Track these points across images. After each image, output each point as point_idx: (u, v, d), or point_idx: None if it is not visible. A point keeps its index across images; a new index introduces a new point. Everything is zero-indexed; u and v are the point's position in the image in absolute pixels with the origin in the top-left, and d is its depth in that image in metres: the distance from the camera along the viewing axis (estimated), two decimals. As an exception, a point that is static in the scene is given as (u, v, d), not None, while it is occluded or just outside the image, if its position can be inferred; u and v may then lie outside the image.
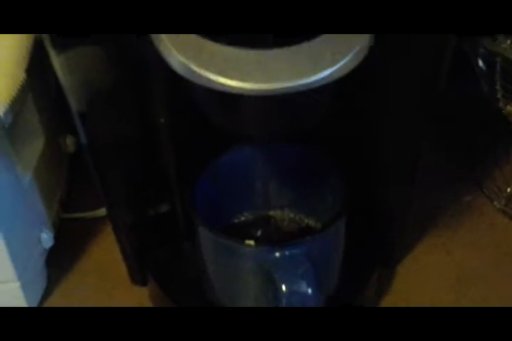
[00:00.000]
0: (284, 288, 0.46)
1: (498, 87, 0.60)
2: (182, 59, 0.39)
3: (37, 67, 0.54)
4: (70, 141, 0.67)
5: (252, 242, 0.48)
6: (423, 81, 0.47)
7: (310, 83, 0.38)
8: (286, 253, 0.47)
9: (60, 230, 0.64)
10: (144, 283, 0.61)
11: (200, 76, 0.39)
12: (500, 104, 0.61)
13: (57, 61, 0.43)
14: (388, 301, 0.61)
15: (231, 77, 0.38)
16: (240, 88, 0.38)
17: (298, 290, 0.46)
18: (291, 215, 0.58)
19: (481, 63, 0.60)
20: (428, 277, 0.63)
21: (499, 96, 0.61)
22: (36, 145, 0.59)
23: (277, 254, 0.48)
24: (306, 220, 0.58)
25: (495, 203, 0.69)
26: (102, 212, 0.64)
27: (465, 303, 0.61)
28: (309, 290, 0.46)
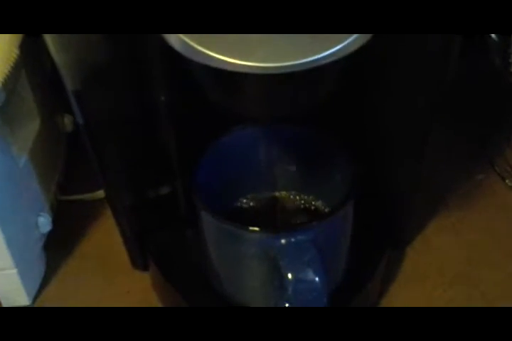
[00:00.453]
0: (290, 276, 0.45)
1: (511, 60, 0.58)
2: (182, 36, 0.38)
3: (30, 43, 0.53)
4: (67, 120, 0.66)
5: (256, 228, 0.47)
6: (432, 60, 0.46)
7: (314, 61, 0.37)
8: (292, 239, 0.46)
9: (58, 213, 0.63)
10: (145, 267, 0.60)
11: (199, 53, 0.37)
12: (513, 78, 0.59)
13: (49, 37, 0.42)
14: (398, 284, 0.60)
15: (233, 55, 0.37)
16: (243, 66, 0.37)
17: (304, 278, 0.45)
18: (298, 197, 0.57)
19: (493, 35, 0.59)
20: (438, 259, 0.62)
21: (512, 69, 0.59)
22: (32, 126, 0.58)
23: (283, 241, 0.46)
24: (313, 202, 0.57)
25: (507, 181, 0.68)
26: (102, 193, 0.63)
27: (476, 285, 0.60)
28: (316, 278, 0.45)
